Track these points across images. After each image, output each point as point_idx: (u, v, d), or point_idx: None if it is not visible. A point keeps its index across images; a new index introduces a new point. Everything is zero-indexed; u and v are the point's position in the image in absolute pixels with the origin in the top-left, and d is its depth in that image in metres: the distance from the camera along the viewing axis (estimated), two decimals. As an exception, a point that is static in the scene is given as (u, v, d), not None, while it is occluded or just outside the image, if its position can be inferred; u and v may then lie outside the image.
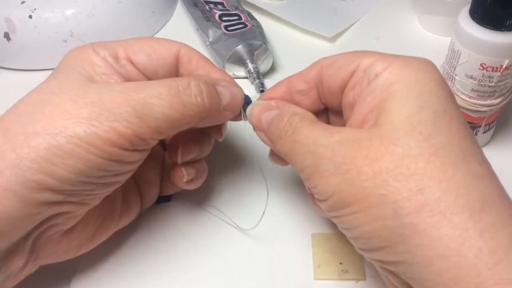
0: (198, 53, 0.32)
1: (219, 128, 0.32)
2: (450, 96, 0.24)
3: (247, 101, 0.31)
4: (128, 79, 0.29)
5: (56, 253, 0.29)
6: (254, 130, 0.30)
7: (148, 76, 0.30)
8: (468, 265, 0.20)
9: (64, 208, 0.26)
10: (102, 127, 0.25)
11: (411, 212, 0.21)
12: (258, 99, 0.31)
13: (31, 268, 0.28)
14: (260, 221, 0.33)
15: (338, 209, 0.23)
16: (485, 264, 0.19)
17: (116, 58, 0.29)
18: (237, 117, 0.31)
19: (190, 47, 0.31)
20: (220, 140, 0.32)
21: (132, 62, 0.30)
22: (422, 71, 0.24)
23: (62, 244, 0.28)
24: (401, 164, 0.22)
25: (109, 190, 0.28)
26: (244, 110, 0.31)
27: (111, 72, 0.28)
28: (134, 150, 0.26)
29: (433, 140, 0.22)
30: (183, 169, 0.32)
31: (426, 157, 0.22)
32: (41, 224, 0.26)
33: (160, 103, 0.26)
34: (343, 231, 0.25)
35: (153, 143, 0.27)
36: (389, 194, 0.21)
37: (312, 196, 0.30)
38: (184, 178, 0.32)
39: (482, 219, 0.20)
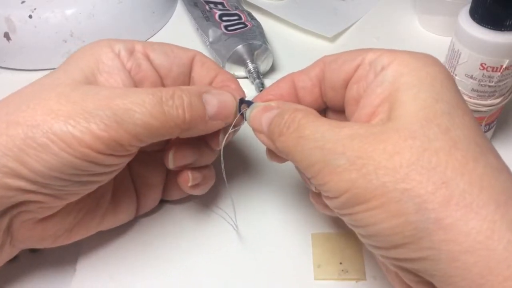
0: (210, 59, 0.33)
1: (216, 137, 0.31)
2: (458, 90, 0.24)
3: (248, 104, 0.30)
4: (138, 74, 0.30)
5: (31, 239, 0.29)
6: (254, 133, 0.29)
7: (162, 73, 0.31)
8: (497, 258, 0.19)
9: (37, 198, 0.26)
10: (78, 127, 0.25)
11: (436, 206, 0.20)
12: (259, 95, 0.31)
13: (10, 251, 0.29)
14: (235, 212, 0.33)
15: (352, 206, 0.23)
16: None
17: (131, 52, 0.30)
18: (236, 125, 0.31)
19: (204, 55, 0.33)
20: (217, 148, 0.32)
21: (148, 58, 0.30)
22: (431, 64, 0.24)
23: (36, 231, 0.29)
24: (422, 157, 0.21)
25: (87, 189, 0.28)
26: (244, 113, 0.30)
27: (116, 69, 0.29)
28: (110, 155, 0.26)
29: (451, 133, 0.22)
30: (189, 173, 0.31)
31: (447, 150, 0.21)
32: (14, 207, 0.26)
33: (142, 111, 0.26)
34: (355, 229, 0.24)
35: (132, 149, 0.27)
36: (412, 188, 0.21)
37: (313, 193, 0.29)
38: (189, 182, 0.32)
39: (508, 211, 0.20)
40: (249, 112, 0.29)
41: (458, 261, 0.20)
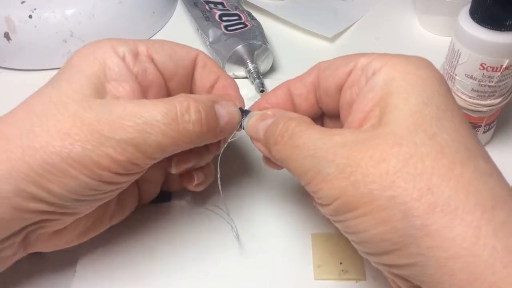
0: (212, 59, 0.33)
1: (217, 144, 0.32)
2: (451, 93, 0.24)
3: (245, 113, 0.30)
4: (144, 78, 0.29)
5: (45, 247, 0.30)
6: (251, 141, 0.29)
7: (166, 76, 0.30)
8: (483, 265, 0.19)
9: (55, 216, 0.27)
10: (96, 151, 0.25)
11: (421, 213, 0.20)
12: (256, 103, 0.31)
13: (21, 255, 0.29)
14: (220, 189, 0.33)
15: (343, 214, 0.23)
16: (500, 263, 0.19)
17: (136, 55, 0.29)
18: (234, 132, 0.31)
19: (206, 54, 0.32)
20: (217, 153, 0.32)
21: (152, 60, 0.30)
22: (423, 67, 0.24)
23: (51, 241, 0.29)
24: (408, 164, 0.21)
25: (100, 203, 0.29)
26: (242, 122, 0.30)
27: (124, 76, 0.28)
28: (126, 174, 0.27)
29: (438, 138, 0.22)
30: (194, 174, 0.32)
31: (433, 156, 0.21)
32: (30, 225, 0.27)
33: (156, 131, 0.26)
34: (347, 236, 0.24)
35: (146, 167, 0.28)
36: (397, 195, 0.21)
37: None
38: (194, 182, 0.33)
39: (495, 217, 0.20)
40: (246, 121, 0.30)
41: (445, 267, 0.20)
